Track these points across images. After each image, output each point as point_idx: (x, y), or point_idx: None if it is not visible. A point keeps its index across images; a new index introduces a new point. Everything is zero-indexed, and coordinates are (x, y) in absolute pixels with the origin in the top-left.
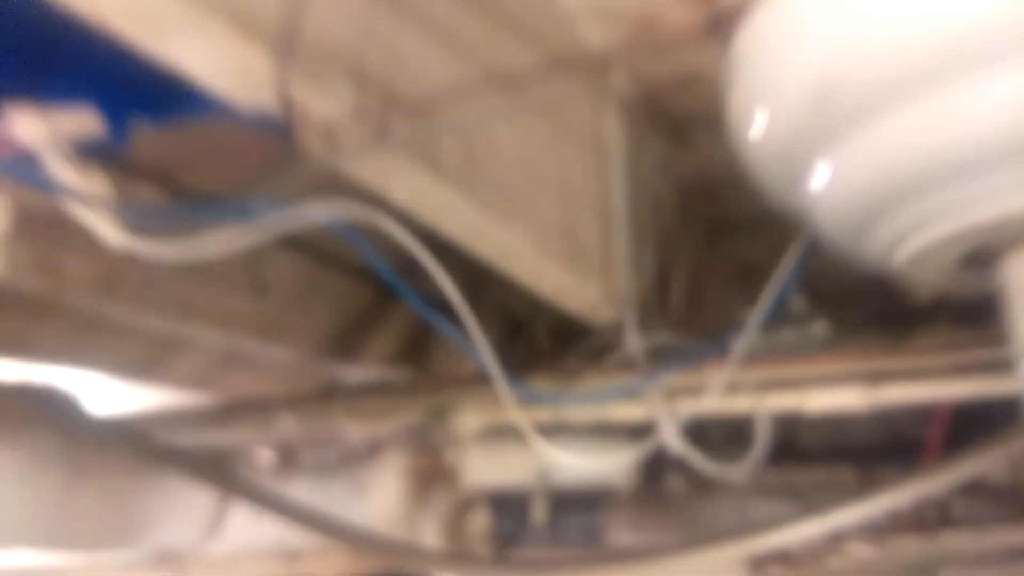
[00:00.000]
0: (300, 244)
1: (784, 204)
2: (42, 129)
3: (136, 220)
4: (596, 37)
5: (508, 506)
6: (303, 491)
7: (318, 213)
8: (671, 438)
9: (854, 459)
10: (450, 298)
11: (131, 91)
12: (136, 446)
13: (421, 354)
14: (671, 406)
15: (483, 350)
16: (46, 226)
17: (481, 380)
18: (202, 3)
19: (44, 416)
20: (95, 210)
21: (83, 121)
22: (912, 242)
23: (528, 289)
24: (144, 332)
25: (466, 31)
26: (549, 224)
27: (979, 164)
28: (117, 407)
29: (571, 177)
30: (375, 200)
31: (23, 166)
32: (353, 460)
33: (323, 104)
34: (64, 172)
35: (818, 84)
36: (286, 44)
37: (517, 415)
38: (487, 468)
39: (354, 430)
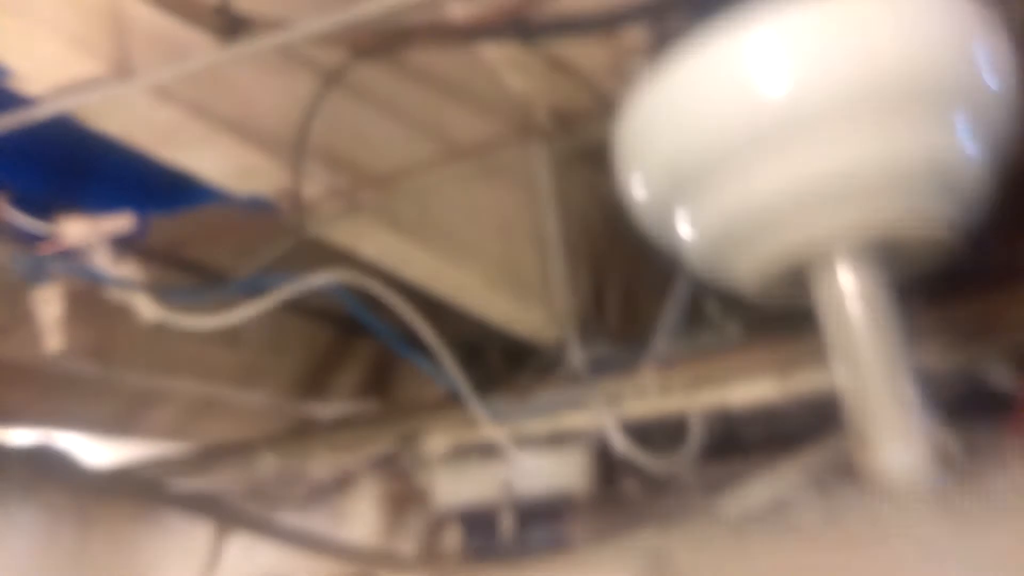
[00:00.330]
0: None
1: (661, 242)
2: (87, 231)
3: (169, 298)
4: (518, 84)
5: (477, 522)
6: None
7: (317, 281)
8: (615, 438)
9: (792, 448)
10: (421, 333)
11: (149, 190)
12: (141, 492)
13: (385, 386)
14: (613, 410)
15: (455, 375)
16: None
17: (445, 404)
18: (213, 122)
19: (51, 473)
20: (135, 294)
21: (118, 222)
22: (747, 265)
23: (480, 318)
24: (119, 388)
25: (411, 103)
26: (493, 260)
27: (780, 210)
28: (99, 461)
29: (508, 214)
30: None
31: (71, 261)
32: (325, 492)
33: (305, 188)
34: (108, 265)
35: (668, 160)
36: (299, 153)
37: (492, 431)
38: (455, 488)
39: (330, 463)
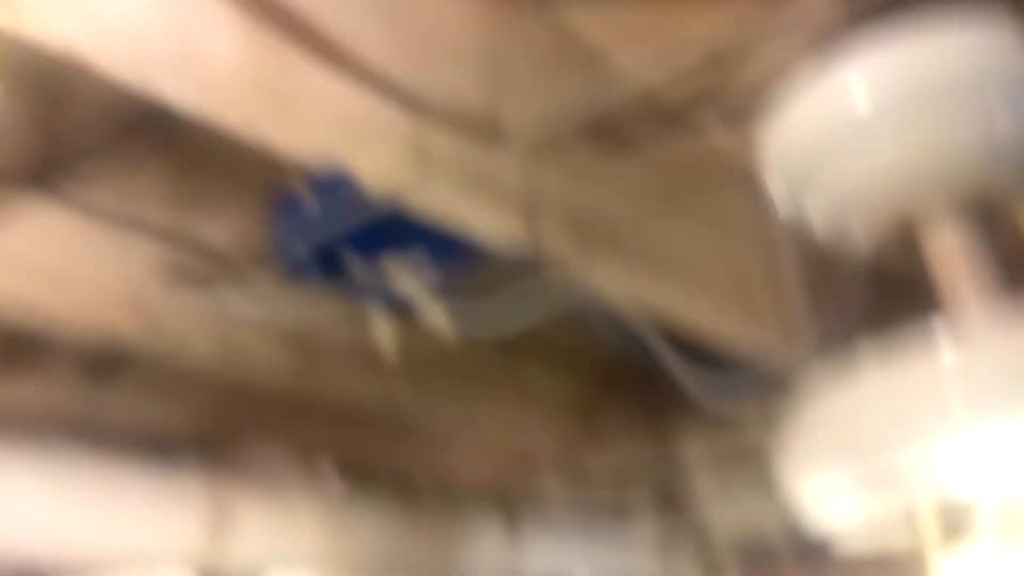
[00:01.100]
0: (544, 357)
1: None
2: (413, 281)
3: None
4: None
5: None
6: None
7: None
8: None
9: None
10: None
11: (444, 251)
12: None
13: (655, 429)
14: None
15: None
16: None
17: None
18: (484, 199)
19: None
20: (443, 322)
21: (427, 270)
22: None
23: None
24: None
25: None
26: (722, 289)
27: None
28: None
29: (730, 245)
30: None
31: (402, 304)
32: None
33: (550, 241)
34: (426, 307)
35: (798, 159)
36: (536, 214)
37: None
38: (730, 516)
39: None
